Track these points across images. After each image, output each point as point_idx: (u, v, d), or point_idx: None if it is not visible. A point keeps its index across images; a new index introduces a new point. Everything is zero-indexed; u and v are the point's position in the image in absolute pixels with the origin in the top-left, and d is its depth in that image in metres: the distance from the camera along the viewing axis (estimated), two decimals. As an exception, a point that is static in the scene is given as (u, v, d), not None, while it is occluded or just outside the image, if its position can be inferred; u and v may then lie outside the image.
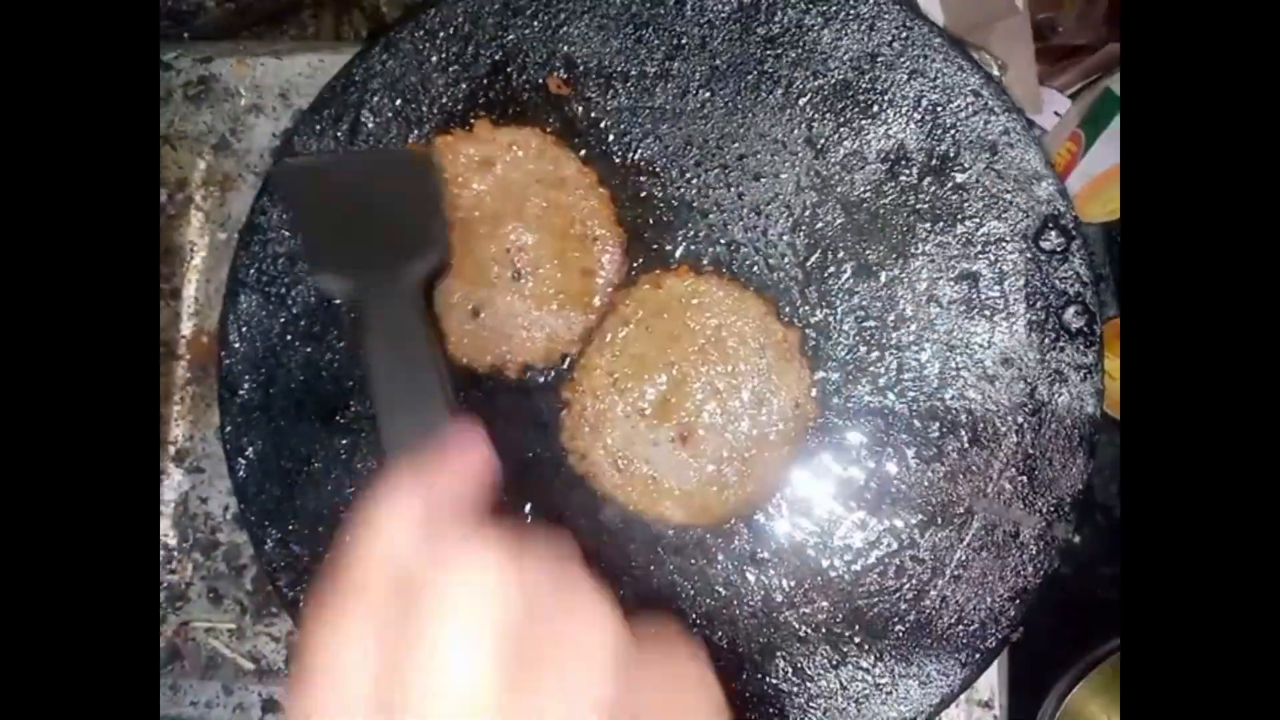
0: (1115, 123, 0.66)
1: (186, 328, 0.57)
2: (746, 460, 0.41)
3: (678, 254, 0.44)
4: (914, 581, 0.41)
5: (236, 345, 0.46)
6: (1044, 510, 0.40)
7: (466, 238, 0.43)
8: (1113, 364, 0.66)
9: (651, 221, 0.44)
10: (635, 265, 0.44)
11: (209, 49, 0.59)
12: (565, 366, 0.44)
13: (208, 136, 0.58)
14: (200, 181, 0.58)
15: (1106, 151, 0.66)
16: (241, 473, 0.45)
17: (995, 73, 0.51)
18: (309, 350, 0.46)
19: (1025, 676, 0.52)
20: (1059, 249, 0.41)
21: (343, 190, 0.41)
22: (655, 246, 0.44)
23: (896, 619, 0.41)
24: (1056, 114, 0.65)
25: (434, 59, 0.45)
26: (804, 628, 0.41)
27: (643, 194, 0.44)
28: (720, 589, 0.42)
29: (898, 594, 0.41)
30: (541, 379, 0.44)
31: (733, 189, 0.44)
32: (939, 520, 0.41)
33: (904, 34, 0.42)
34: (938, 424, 0.41)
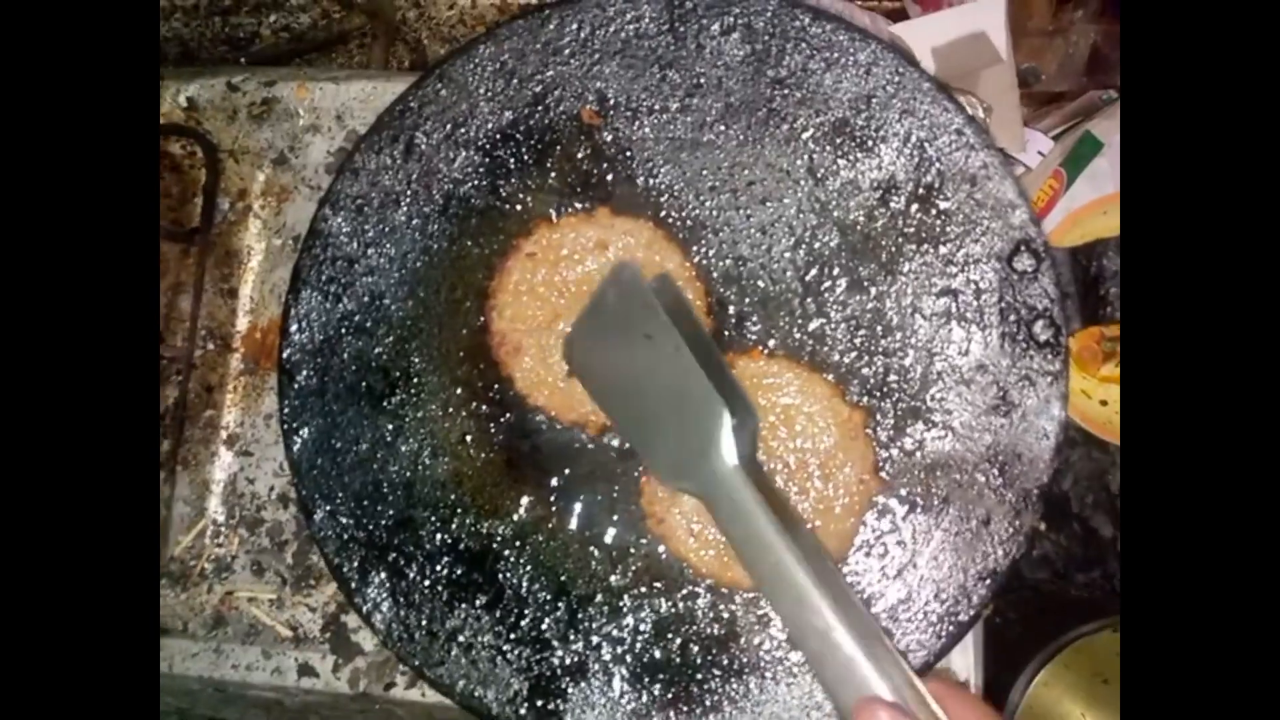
0: (1094, 162, 0.72)
1: (242, 323, 0.63)
2: (814, 530, 0.45)
3: (752, 338, 0.48)
4: (896, 561, 0.46)
5: (296, 337, 0.51)
6: (1013, 501, 0.45)
7: (573, 306, 0.49)
8: (1089, 384, 0.71)
9: (735, 313, 0.49)
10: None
11: (274, 73, 0.65)
12: None
13: (268, 152, 0.64)
14: (259, 192, 0.64)
15: (1086, 188, 0.72)
16: (296, 449, 0.50)
17: (981, 114, 0.57)
18: (360, 343, 0.51)
19: (1001, 662, 0.57)
20: (1030, 270, 0.46)
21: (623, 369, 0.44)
22: (735, 333, 0.48)
23: (880, 595, 0.45)
24: (1040, 154, 0.72)
25: (482, 89, 0.51)
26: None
27: (661, 214, 0.50)
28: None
29: (881, 572, 0.46)
30: (616, 439, 0.48)
31: (741, 211, 0.49)
32: (919, 508, 0.46)
33: (896, 78, 0.48)
34: (920, 422, 0.46)
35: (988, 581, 0.44)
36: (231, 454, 0.61)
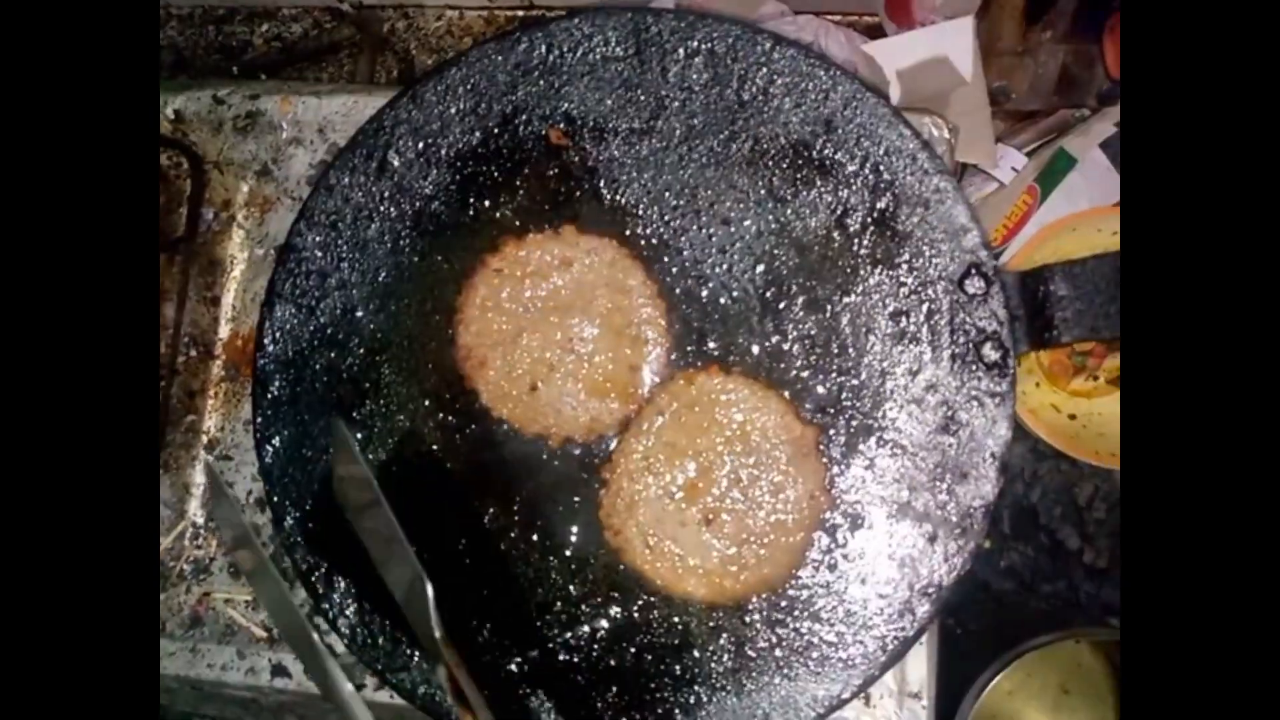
0: (1068, 178, 0.73)
1: (224, 331, 0.64)
2: (765, 544, 0.47)
3: (712, 354, 0.49)
4: (844, 576, 0.47)
5: (270, 348, 0.53)
6: (958, 519, 0.46)
7: (538, 322, 0.50)
8: (1058, 397, 0.72)
9: (695, 330, 0.50)
10: (674, 362, 0.49)
11: (258, 87, 0.67)
12: (602, 446, 0.49)
13: (252, 164, 0.66)
14: (243, 203, 0.65)
15: (1059, 203, 0.73)
16: (268, 458, 0.52)
17: (946, 135, 0.58)
18: (332, 355, 0.52)
19: (956, 674, 0.58)
20: (980, 292, 0.47)
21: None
22: (695, 349, 0.50)
23: (828, 609, 0.47)
24: (1014, 169, 0.72)
25: (453, 110, 0.53)
26: (749, 614, 0.47)
27: (626, 233, 0.51)
28: (677, 576, 0.48)
29: (829, 586, 0.47)
30: (577, 451, 0.49)
31: (704, 231, 0.51)
32: (867, 524, 0.47)
33: (854, 103, 0.49)
34: (872, 439, 0.48)
35: (932, 596, 0.46)
36: (212, 458, 0.63)
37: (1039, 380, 0.73)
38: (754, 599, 0.47)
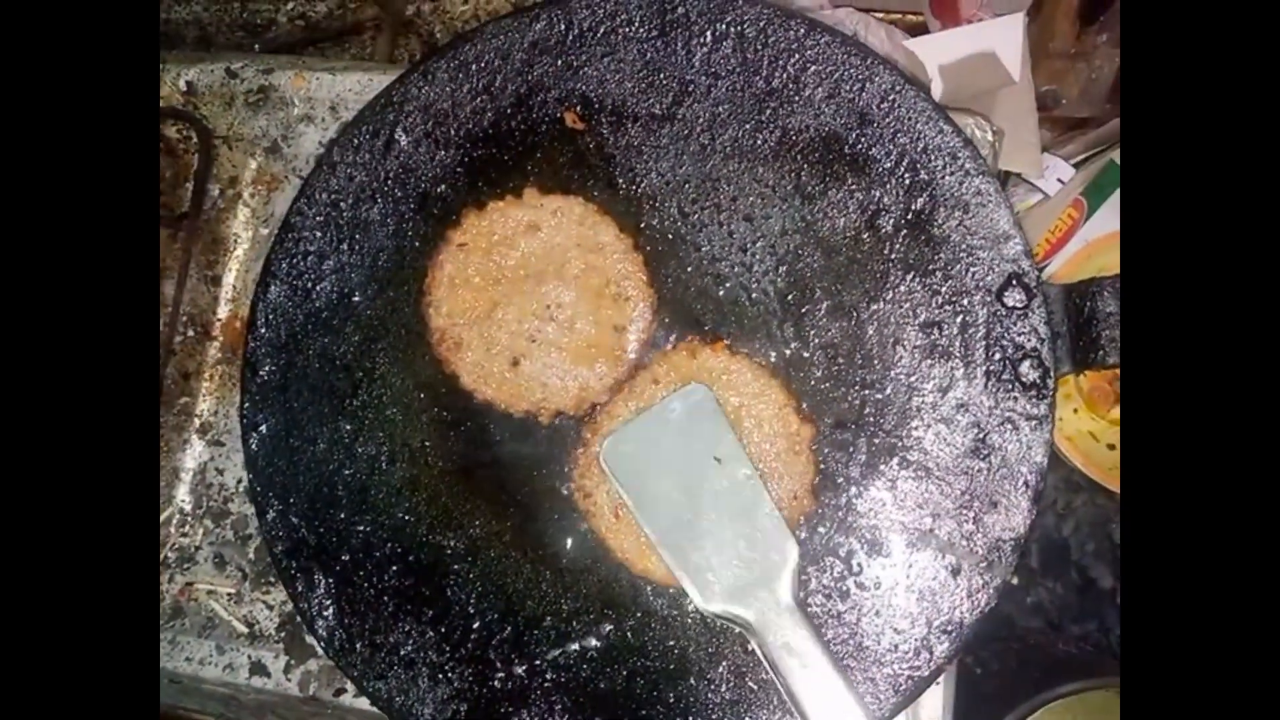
0: (1118, 193, 0.69)
1: (223, 311, 0.62)
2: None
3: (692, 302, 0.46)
4: (856, 606, 0.43)
5: (262, 330, 0.50)
6: (984, 552, 0.42)
7: (511, 293, 0.48)
8: (1097, 426, 0.68)
9: (682, 285, 0.47)
10: (665, 326, 0.47)
11: (272, 61, 0.65)
12: (595, 419, 0.47)
13: (261, 140, 0.63)
14: (250, 180, 0.63)
15: (1107, 218, 0.69)
16: (253, 445, 0.49)
17: (990, 137, 0.54)
18: (326, 340, 0.50)
19: (975, 717, 0.53)
20: (1020, 305, 0.43)
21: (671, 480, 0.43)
22: (684, 307, 0.47)
23: (837, 642, 0.43)
24: (1060, 181, 0.68)
25: (465, 88, 0.50)
26: (750, 642, 0.43)
27: (641, 224, 0.48)
28: (670, 591, 0.45)
29: (840, 617, 0.43)
30: (571, 424, 0.47)
31: (723, 227, 0.47)
32: (884, 550, 0.43)
33: (892, 96, 0.45)
34: (895, 459, 0.44)
35: (952, 635, 0.42)
36: (203, 443, 0.61)
37: (1077, 406, 0.68)
38: (758, 625, 0.43)
